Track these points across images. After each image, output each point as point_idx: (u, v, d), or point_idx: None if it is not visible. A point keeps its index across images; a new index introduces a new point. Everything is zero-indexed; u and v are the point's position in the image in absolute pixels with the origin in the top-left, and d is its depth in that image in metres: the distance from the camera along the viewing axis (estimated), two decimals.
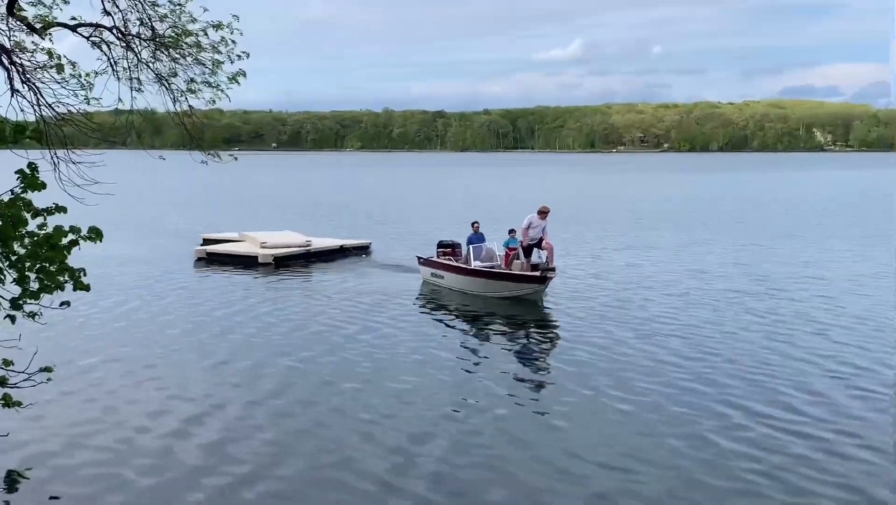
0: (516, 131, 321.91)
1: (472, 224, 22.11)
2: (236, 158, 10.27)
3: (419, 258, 23.05)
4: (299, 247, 26.61)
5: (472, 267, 20.43)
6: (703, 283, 21.73)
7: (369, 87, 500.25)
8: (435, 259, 22.22)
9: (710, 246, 29.45)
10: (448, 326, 17.09)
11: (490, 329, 16.71)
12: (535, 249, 20.53)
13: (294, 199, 56.49)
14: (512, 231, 21.05)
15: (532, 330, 16.65)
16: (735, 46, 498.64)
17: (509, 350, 14.95)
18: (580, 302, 19.29)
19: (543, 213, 20.34)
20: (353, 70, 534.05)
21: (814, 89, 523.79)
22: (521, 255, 20.37)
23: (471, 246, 21.12)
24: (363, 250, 28.12)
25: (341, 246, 27.86)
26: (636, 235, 33.28)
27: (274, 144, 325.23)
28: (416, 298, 20.33)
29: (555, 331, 16.55)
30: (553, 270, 19.44)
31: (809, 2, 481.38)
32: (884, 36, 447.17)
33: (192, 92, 9.43)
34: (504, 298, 19.55)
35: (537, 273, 19.21)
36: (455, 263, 21.25)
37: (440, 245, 22.75)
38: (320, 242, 27.99)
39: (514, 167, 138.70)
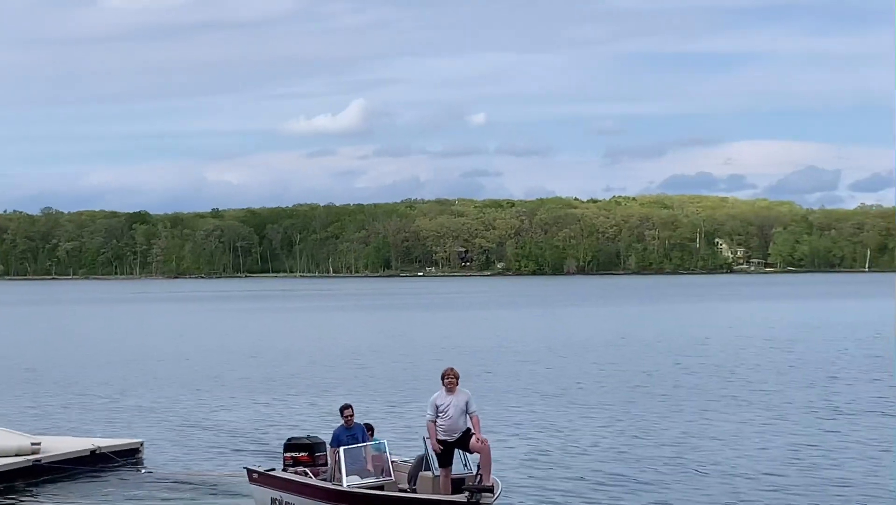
0: (265, 245, 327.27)
1: (342, 410, 21.60)
2: None
3: (250, 472, 22.42)
4: (18, 456, 25.79)
5: (345, 487, 20.00)
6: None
7: (16, 173, 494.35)
8: (280, 473, 21.62)
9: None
10: None
11: None
12: (458, 451, 19.71)
13: None
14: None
15: None
16: (595, 114, 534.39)
17: None
18: None
19: (451, 378, 19.54)
20: None
21: (712, 180, 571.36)
22: (434, 461, 19.88)
23: (341, 449, 20.49)
24: (131, 456, 27.72)
25: (93, 450, 27.06)
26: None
27: None
28: None
29: None
30: (490, 489, 18.94)
31: (704, 49, 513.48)
32: (818, 99, 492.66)
33: None
34: None
35: (463, 496, 18.86)
36: (314, 482, 20.74)
37: (290, 446, 21.91)
38: (55, 445, 27.11)
39: (266, 301, 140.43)
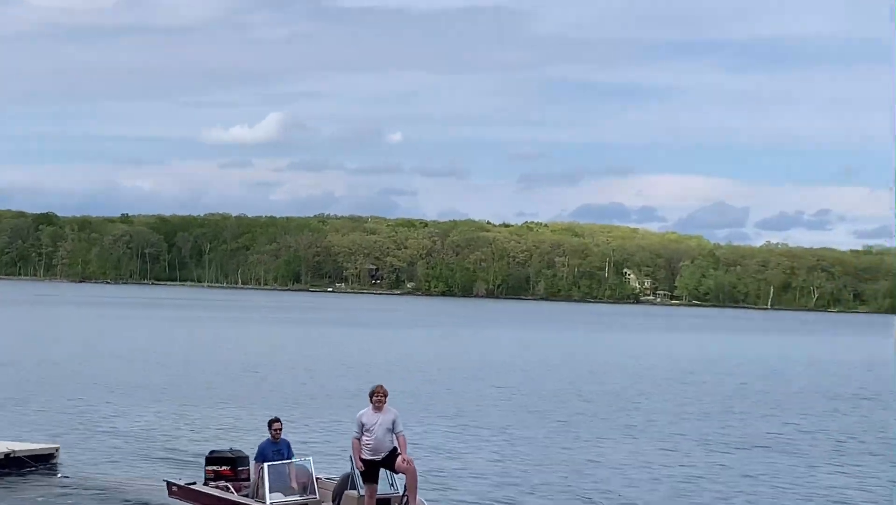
0: (174, 252, 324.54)
1: (271, 423, 21.38)
2: None
3: (170, 484, 22.24)
4: None
5: (269, 503, 19.89)
6: None
7: None
8: (201, 487, 21.40)
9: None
10: None
11: None
12: (384, 471, 19.57)
13: None
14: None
15: None
16: (512, 139, 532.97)
17: None
18: None
19: (380, 396, 19.26)
20: None
21: (624, 210, 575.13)
22: (360, 480, 19.68)
23: (265, 465, 20.42)
24: (46, 461, 27.38)
25: (7, 454, 26.83)
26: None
27: None
28: None
29: None
30: None
31: (623, 80, 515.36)
32: (730, 135, 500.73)
33: None
34: None
35: None
36: (235, 498, 20.64)
37: (211, 460, 21.83)
38: None
39: (176, 310, 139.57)
